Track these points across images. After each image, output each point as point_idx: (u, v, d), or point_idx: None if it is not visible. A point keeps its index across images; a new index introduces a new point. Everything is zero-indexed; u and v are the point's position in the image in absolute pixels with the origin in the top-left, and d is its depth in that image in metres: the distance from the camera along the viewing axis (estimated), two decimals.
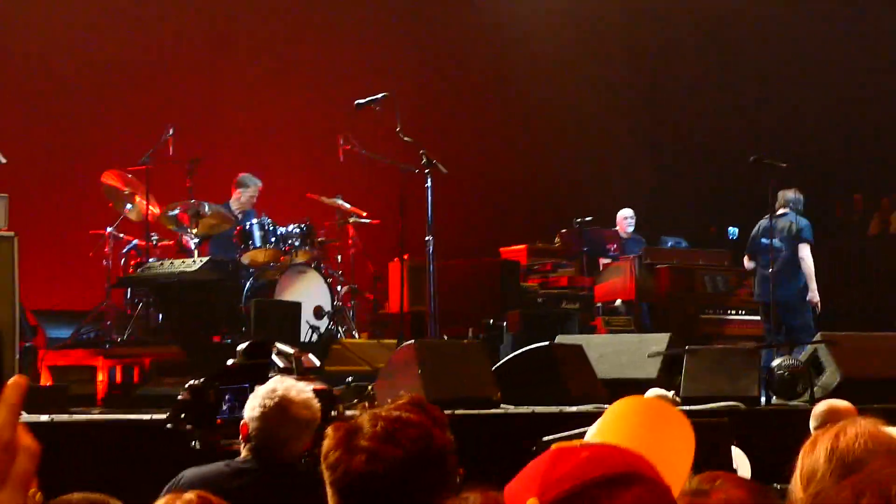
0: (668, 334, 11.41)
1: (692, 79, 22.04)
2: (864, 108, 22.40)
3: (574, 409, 9.34)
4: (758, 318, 15.02)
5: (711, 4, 21.43)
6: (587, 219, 16.30)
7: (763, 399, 10.49)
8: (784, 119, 21.87)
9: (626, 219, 16.88)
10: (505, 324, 13.99)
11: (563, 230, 16.55)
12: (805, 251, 13.69)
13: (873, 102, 22.28)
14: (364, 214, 14.56)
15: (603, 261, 16.25)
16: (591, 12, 21.05)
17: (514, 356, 10.35)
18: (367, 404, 3.39)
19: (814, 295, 13.97)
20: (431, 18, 20.33)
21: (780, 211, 13.82)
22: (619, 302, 15.66)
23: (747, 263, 14.56)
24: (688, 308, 15.32)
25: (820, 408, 6.50)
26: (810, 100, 21.98)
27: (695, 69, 22.02)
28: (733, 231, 19.76)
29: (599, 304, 15.66)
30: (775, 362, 10.54)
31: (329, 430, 3.31)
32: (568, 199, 19.37)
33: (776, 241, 13.47)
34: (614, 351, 11.23)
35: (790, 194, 13.89)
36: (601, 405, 9.23)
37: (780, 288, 13.19)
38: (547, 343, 10.57)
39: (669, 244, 17.01)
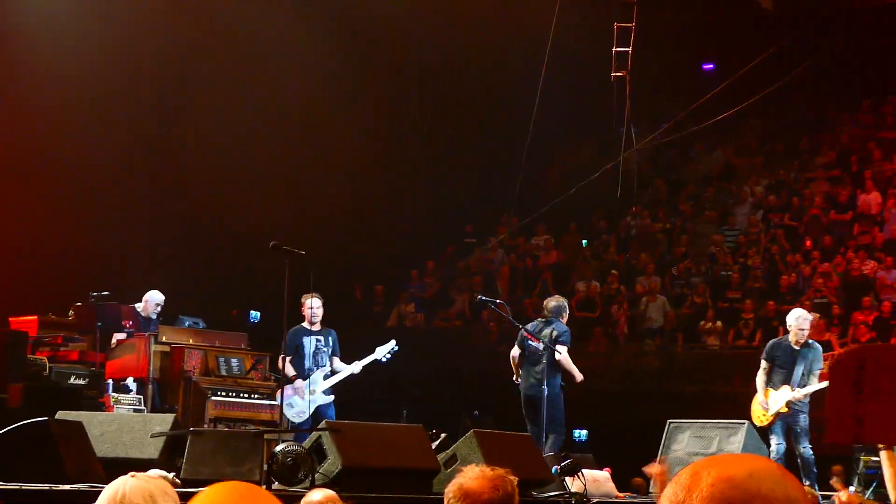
0: (174, 414, 11.26)
1: (213, 165, 22.07)
2: (381, 205, 23.18)
3: (68, 487, 8.99)
4: (269, 402, 15.15)
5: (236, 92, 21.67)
6: (104, 293, 15.88)
7: (265, 484, 10.45)
8: (306, 209, 22.28)
9: (157, 304, 16.33)
10: (6, 397, 13.35)
11: (78, 304, 16.04)
12: (562, 352, 14.81)
13: (390, 199, 23.10)
14: None
15: (117, 336, 15.81)
16: (103, 89, 20.79)
17: (8, 430, 9.86)
18: None
19: (579, 377, 15.09)
20: None
21: (547, 319, 15.22)
22: (130, 379, 15.32)
23: (514, 351, 15.36)
24: (199, 389, 15.15)
25: (306, 497, 6.55)
26: (332, 194, 22.54)
27: (216, 154, 22.09)
28: (255, 315, 19.83)
29: (110, 381, 15.24)
30: (279, 448, 10.52)
31: None
32: (85, 272, 18.85)
33: (540, 346, 14.88)
34: (117, 429, 10.91)
35: (552, 303, 15.46)
36: (97, 484, 8.92)
37: (545, 385, 14.62)
38: (45, 419, 10.13)
39: (187, 324, 16.81)
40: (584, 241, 27.79)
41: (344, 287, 23.22)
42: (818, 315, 22.40)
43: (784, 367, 14.40)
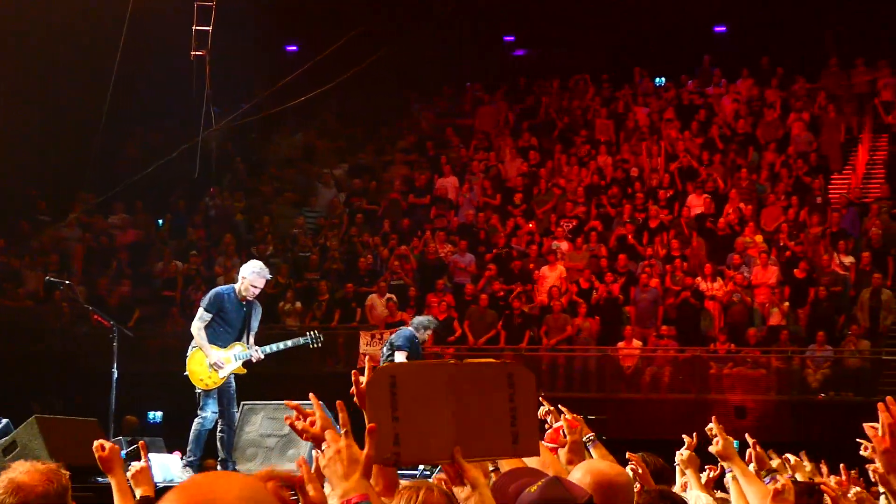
0: None
1: None
2: None
3: None
4: None
5: None
6: None
7: None
8: None
9: None
10: None
11: None
12: (399, 358, 14.20)
13: None
14: None
15: None
16: None
17: None
18: None
19: None
20: None
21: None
22: None
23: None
24: None
25: None
26: None
27: None
28: None
29: None
30: None
31: None
32: None
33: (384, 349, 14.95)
34: None
35: (417, 318, 15.34)
36: None
37: None
38: None
39: None
40: (159, 221, 27.35)
41: None
42: (394, 297, 22.92)
43: (234, 325, 13.01)
